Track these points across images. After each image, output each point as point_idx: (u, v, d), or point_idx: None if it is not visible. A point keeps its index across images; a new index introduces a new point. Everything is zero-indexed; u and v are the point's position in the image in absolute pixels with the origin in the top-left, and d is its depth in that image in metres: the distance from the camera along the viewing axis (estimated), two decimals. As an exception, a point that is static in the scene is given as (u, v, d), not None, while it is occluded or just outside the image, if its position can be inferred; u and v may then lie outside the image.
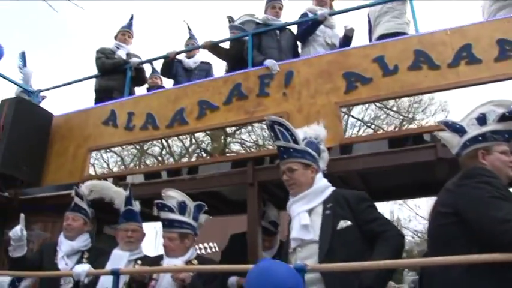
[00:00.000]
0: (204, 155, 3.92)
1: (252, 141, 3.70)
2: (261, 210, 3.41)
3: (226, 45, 4.60)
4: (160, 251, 2.83)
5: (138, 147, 4.12)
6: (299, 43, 4.26)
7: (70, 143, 4.33)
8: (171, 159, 3.99)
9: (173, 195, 2.81)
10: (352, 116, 3.38)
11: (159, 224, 3.17)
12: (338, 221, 2.15)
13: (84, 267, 2.62)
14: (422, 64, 3.15)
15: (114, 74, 4.77)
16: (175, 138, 3.95)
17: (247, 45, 4.11)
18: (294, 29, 4.30)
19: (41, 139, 4.34)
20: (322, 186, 2.34)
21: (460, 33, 3.15)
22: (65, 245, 3.16)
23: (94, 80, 4.97)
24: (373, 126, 3.36)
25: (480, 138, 1.94)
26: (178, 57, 4.88)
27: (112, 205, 3.25)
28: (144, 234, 3.14)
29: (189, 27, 5.39)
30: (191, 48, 5.04)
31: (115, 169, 4.15)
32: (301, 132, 2.49)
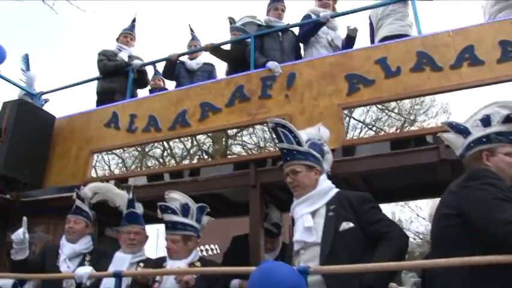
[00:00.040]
0: (206, 157, 3.92)
1: (253, 143, 3.70)
2: (264, 212, 3.41)
3: (227, 46, 4.60)
4: (162, 252, 2.83)
5: (139, 149, 4.12)
6: (301, 45, 4.27)
7: (72, 145, 4.34)
8: (173, 161, 3.99)
9: (176, 197, 2.81)
10: (354, 118, 3.38)
11: (160, 226, 3.18)
12: (341, 223, 2.15)
13: (87, 270, 2.62)
14: (425, 66, 3.15)
15: (116, 76, 4.77)
16: (177, 140, 3.96)
17: (250, 47, 4.11)
18: (297, 30, 4.30)
19: (43, 141, 4.35)
20: (326, 188, 2.33)
21: (462, 35, 3.15)
22: (67, 248, 3.16)
23: (96, 82, 4.98)
24: (374, 128, 3.36)
25: (484, 139, 1.93)
26: (181, 58, 4.88)
27: (115, 207, 3.24)
28: (146, 237, 3.14)
29: (191, 29, 5.40)
30: (193, 51, 5.04)
31: (116, 171, 4.16)
32: (304, 134, 2.49)
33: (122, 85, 4.67)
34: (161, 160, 4.08)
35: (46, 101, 5.32)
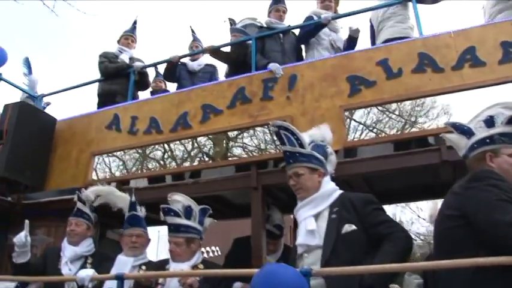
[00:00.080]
0: (207, 159, 3.91)
1: (255, 145, 3.70)
2: (266, 214, 3.40)
3: (228, 48, 4.60)
4: (162, 254, 2.82)
5: (140, 151, 4.12)
6: (303, 47, 4.27)
7: (73, 147, 4.34)
8: (174, 164, 3.99)
9: (179, 200, 2.79)
10: (355, 120, 3.38)
11: (162, 228, 3.16)
12: (343, 225, 2.13)
13: (89, 272, 2.61)
14: (426, 67, 3.15)
15: (117, 78, 4.77)
16: (178, 142, 3.95)
17: (250, 49, 4.11)
18: (298, 32, 4.30)
19: (44, 143, 4.35)
20: (329, 190, 2.31)
21: (463, 36, 3.15)
22: (68, 251, 3.16)
23: (97, 84, 4.98)
24: (375, 130, 3.35)
25: (488, 140, 1.92)
26: (183, 59, 4.88)
27: (118, 211, 3.24)
28: (149, 240, 3.13)
29: (192, 30, 5.39)
30: (193, 53, 5.02)
31: (117, 173, 4.15)
32: (307, 136, 2.47)
33: (123, 87, 4.67)
34: (162, 162, 4.08)
35: (48, 104, 5.33)
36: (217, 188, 3.68)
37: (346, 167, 3.19)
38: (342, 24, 4.39)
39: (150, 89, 5.51)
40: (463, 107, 3.00)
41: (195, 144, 3.95)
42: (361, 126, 3.39)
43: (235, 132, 3.76)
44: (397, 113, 3.31)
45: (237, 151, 3.80)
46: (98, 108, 4.74)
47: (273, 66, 3.65)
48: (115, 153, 4.20)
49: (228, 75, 4.59)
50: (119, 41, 5.16)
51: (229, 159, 3.75)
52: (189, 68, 4.87)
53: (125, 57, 4.91)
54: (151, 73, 5.45)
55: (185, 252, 2.66)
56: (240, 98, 3.68)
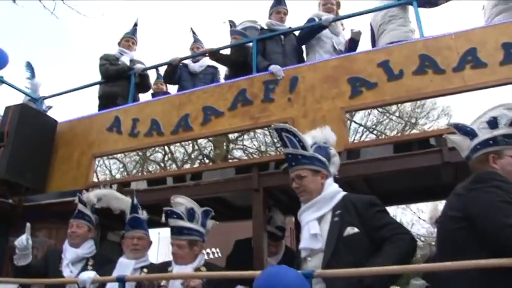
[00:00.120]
0: (207, 161, 3.91)
1: (255, 147, 3.70)
2: (267, 215, 3.40)
3: (228, 50, 4.60)
4: (162, 256, 2.81)
5: (141, 153, 4.12)
6: (304, 49, 4.27)
7: (74, 149, 4.33)
8: (174, 166, 3.99)
9: (182, 202, 2.78)
10: (355, 122, 3.38)
11: (162, 230, 3.16)
12: (345, 228, 2.11)
13: (90, 274, 2.61)
14: (428, 69, 3.14)
15: (118, 81, 4.77)
16: (178, 144, 3.95)
17: (251, 51, 4.12)
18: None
19: (45, 146, 4.34)
20: (332, 192, 2.29)
21: (464, 37, 3.15)
22: (69, 253, 3.16)
23: (98, 86, 4.98)
24: (375, 132, 3.35)
25: (491, 142, 1.92)
26: (184, 61, 4.88)
27: (119, 213, 3.24)
28: (150, 242, 3.12)
29: (193, 31, 5.38)
30: (194, 55, 5.02)
31: (118, 176, 4.15)
32: (309, 138, 2.45)
33: (123, 89, 4.67)
34: (162, 164, 4.08)
35: (49, 107, 5.34)
36: (219, 190, 3.68)
37: (347, 168, 3.18)
38: (344, 26, 4.40)
39: (151, 91, 5.51)
40: (463, 109, 3.00)
41: (196, 146, 3.95)
42: (361, 128, 3.39)
43: (236, 134, 3.77)
44: (397, 114, 3.32)
45: (238, 153, 3.80)
46: (99, 110, 4.75)
47: (274, 68, 3.66)
48: (116, 155, 4.20)
49: (227, 77, 4.59)
50: (119, 43, 5.16)
51: (230, 161, 3.75)
52: (191, 70, 4.87)
53: (125, 60, 4.90)
54: (152, 75, 5.45)
55: (188, 255, 2.64)
56: (241, 100, 3.68)
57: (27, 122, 4.16)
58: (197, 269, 2.63)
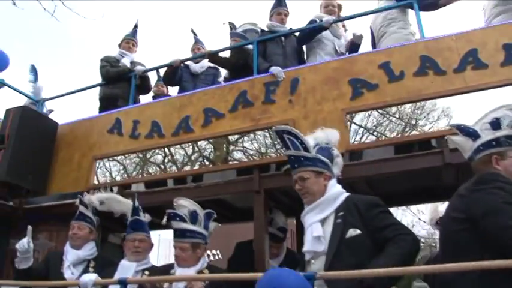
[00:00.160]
0: (207, 163, 3.91)
1: (255, 148, 3.69)
2: (268, 217, 3.39)
3: (228, 52, 4.60)
4: (163, 258, 2.81)
5: (141, 155, 4.12)
6: (305, 51, 4.27)
7: (75, 151, 4.33)
8: (174, 168, 3.99)
9: (185, 204, 2.77)
10: (355, 123, 3.38)
11: (162, 232, 3.16)
12: (348, 230, 2.10)
13: (91, 277, 2.60)
14: (428, 70, 3.14)
15: (119, 82, 4.76)
16: (178, 146, 3.95)
17: (251, 53, 4.11)
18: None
19: (46, 148, 4.34)
20: (335, 194, 2.29)
21: (465, 39, 3.15)
22: (71, 254, 3.16)
23: (98, 88, 4.97)
24: (376, 133, 3.35)
25: (494, 143, 1.92)
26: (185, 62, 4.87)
27: (120, 215, 3.24)
28: (152, 244, 3.12)
29: (194, 32, 5.38)
30: (194, 57, 5.02)
31: (118, 178, 4.15)
32: (311, 139, 2.45)
33: (124, 91, 4.67)
34: (162, 166, 4.07)
35: (51, 111, 5.34)
36: (220, 192, 3.67)
37: (348, 169, 3.18)
38: (347, 27, 4.39)
39: (152, 94, 5.51)
40: (464, 110, 3.00)
41: (196, 148, 3.95)
42: (361, 129, 3.39)
43: (237, 136, 3.76)
44: (397, 116, 3.32)
45: (239, 155, 3.80)
46: (100, 112, 4.74)
47: (274, 69, 3.65)
48: (116, 157, 4.19)
49: (227, 80, 4.58)
50: (120, 45, 5.15)
51: (231, 163, 3.74)
52: (192, 70, 4.86)
53: (126, 61, 4.90)
54: (153, 77, 5.45)
55: (191, 258, 2.64)
56: (242, 102, 3.68)
57: (27, 124, 4.16)
58: (200, 272, 2.62)
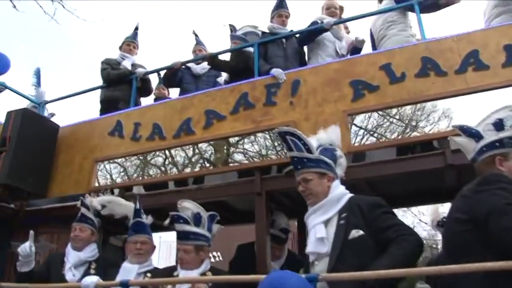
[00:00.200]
0: (208, 165, 3.91)
1: (256, 150, 3.69)
2: (270, 219, 3.39)
3: (228, 54, 4.59)
4: (163, 260, 2.80)
5: (141, 157, 4.12)
6: (306, 52, 4.27)
7: (76, 154, 4.33)
8: (175, 170, 3.98)
9: (188, 207, 2.77)
10: (355, 125, 3.38)
11: (163, 234, 3.15)
12: (350, 231, 2.10)
13: (93, 279, 2.59)
14: (430, 71, 3.14)
15: (120, 85, 4.77)
16: (179, 148, 3.95)
17: (252, 55, 4.12)
18: (300, 37, 4.30)
19: (47, 150, 4.34)
20: (338, 195, 2.29)
21: (466, 40, 3.15)
22: (72, 256, 3.16)
23: (99, 91, 4.98)
24: (376, 135, 3.35)
25: (497, 144, 1.92)
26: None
27: (122, 217, 3.24)
28: (154, 247, 3.12)
29: (195, 34, 5.38)
30: (195, 59, 5.02)
31: (119, 180, 4.15)
32: (314, 140, 2.45)
33: (125, 93, 4.68)
34: (163, 168, 4.07)
35: (52, 114, 5.35)
36: (221, 194, 3.67)
37: (351, 171, 3.18)
38: (349, 29, 4.39)
39: (153, 97, 5.51)
40: (464, 111, 3.00)
41: (197, 150, 3.95)
42: (362, 131, 3.39)
43: (238, 138, 3.76)
44: (397, 117, 3.32)
45: (240, 157, 3.80)
46: (101, 114, 4.74)
47: (275, 71, 3.66)
48: (117, 160, 4.19)
49: (227, 83, 4.58)
50: (120, 48, 5.17)
51: (232, 165, 3.74)
52: (193, 72, 4.86)
53: (127, 64, 4.92)
54: (154, 80, 5.46)
55: (194, 260, 2.63)
56: (243, 104, 3.68)
57: (29, 126, 4.16)
58: (203, 274, 2.62)
